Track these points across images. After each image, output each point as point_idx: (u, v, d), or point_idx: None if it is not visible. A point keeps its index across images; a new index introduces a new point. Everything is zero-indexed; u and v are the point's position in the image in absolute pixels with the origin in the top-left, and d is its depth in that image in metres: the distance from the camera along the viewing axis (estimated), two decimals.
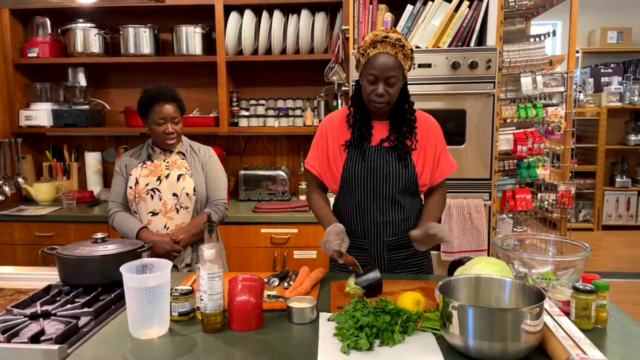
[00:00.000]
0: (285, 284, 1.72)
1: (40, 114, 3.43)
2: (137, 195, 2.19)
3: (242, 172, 3.38)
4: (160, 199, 2.18)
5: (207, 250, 1.38)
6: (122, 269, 1.36)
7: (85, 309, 1.48)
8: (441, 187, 1.92)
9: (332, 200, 2.01)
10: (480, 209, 2.81)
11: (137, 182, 2.20)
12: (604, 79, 6.72)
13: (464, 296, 1.37)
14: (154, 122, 2.17)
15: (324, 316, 1.47)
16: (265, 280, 1.74)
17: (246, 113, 3.38)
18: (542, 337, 1.21)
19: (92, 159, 3.57)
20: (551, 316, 1.32)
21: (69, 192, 3.35)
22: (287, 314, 1.45)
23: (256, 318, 1.42)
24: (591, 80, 6.78)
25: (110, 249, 1.67)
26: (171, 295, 1.45)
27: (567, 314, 1.40)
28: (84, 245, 1.68)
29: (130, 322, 1.36)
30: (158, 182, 2.20)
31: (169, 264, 1.41)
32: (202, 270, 1.37)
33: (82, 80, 3.51)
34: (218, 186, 2.28)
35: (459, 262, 1.71)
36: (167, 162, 2.24)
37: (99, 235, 1.72)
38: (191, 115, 3.40)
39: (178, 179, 2.20)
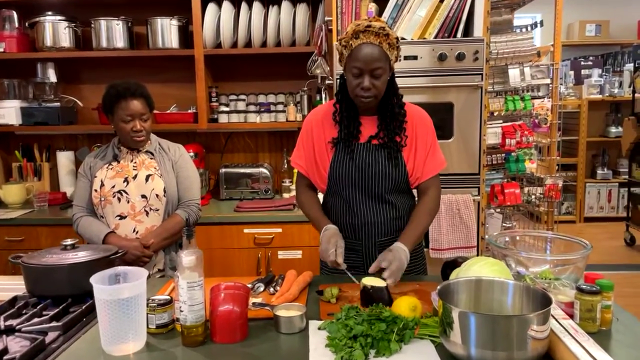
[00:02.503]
0: (272, 289, 1.62)
1: (8, 112, 3.25)
2: (102, 199, 2.05)
3: (223, 170, 3.25)
4: (128, 202, 2.05)
5: (186, 257, 1.27)
6: (93, 279, 1.24)
7: (54, 323, 1.35)
8: (432, 186, 1.80)
9: (321, 198, 1.91)
10: (469, 204, 2.74)
11: (102, 185, 2.06)
12: (584, 72, 6.75)
13: (464, 300, 1.28)
14: (121, 119, 2.03)
15: (314, 324, 1.37)
16: (250, 286, 1.63)
17: (226, 109, 3.25)
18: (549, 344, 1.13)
19: (65, 159, 3.40)
20: (556, 320, 1.24)
21: (40, 194, 3.19)
22: (274, 323, 1.35)
23: (241, 329, 1.31)
24: (572, 72, 6.80)
25: (80, 256, 1.54)
26: (148, 306, 1.34)
27: (571, 316, 1.33)
28: (51, 253, 1.55)
29: (103, 337, 1.24)
30: (125, 183, 2.06)
31: (144, 272, 1.30)
32: (181, 279, 1.26)
33: (52, 76, 3.34)
34: (190, 186, 2.16)
35: (453, 263, 1.62)
36: (135, 162, 2.11)
37: (69, 241, 1.59)
38: (168, 111, 3.27)
39: (146, 179, 2.07)
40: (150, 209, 2.07)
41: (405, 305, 1.33)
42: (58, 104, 3.32)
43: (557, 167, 3.61)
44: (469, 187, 2.80)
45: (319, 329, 1.34)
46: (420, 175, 1.77)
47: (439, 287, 1.23)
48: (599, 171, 6.46)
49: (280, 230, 2.88)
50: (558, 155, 3.60)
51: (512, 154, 2.94)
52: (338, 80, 1.78)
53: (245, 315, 1.33)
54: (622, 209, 6.29)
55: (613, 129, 6.36)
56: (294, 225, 2.87)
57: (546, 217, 3.69)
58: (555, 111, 3.47)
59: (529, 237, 1.82)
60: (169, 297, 1.37)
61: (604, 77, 6.47)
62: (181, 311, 1.27)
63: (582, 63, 6.81)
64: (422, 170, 1.76)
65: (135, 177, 2.07)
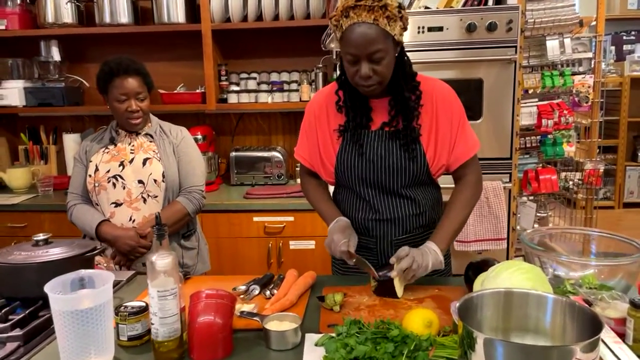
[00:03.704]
0: (268, 292, 1.42)
1: (11, 93, 3.12)
2: (97, 184, 1.89)
3: (234, 153, 3.06)
4: (124, 187, 1.88)
5: (158, 261, 1.07)
6: (48, 287, 1.06)
7: (14, 332, 1.18)
8: (468, 172, 1.54)
9: (331, 189, 1.70)
10: (499, 192, 2.48)
11: (96, 170, 1.90)
12: (626, 47, 6.28)
13: (490, 318, 1.05)
14: (115, 99, 1.86)
15: (311, 339, 1.16)
16: (243, 287, 1.44)
17: (236, 88, 3.04)
18: None
19: (71, 142, 3.26)
20: (606, 344, 1.00)
21: (44, 178, 3.06)
22: (264, 337, 1.15)
23: (224, 343, 1.12)
24: (612, 48, 6.33)
25: (52, 253, 1.37)
26: (118, 315, 1.16)
27: (622, 336, 1.09)
28: (21, 249, 1.39)
29: (62, 353, 1.06)
30: (120, 167, 1.89)
31: (110, 277, 1.11)
32: (151, 287, 1.07)
33: (55, 55, 3.19)
34: (192, 171, 1.97)
35: (480, 266, 1.39)
36: (133, 145, 1.94)
37: (41, 236, 1.42)
38: (175, 91, 3.08)
39: (144, 163, 1.90)
40: (148, 195, 1.89)
41: (418, 320, 1.11)
42: (62, 84, 3.17)
43: (597, 150, 3.28)
44: (499, 173, 2.54)
45: (316, 344, 1.13)
46: (447, 163, 1.51)
47: (458, 303, 1.00)
48: None
49: (292, 218, 2.68)
50: (599, 137, 3.26)
51: (549, 136, 2.65)
52: (338, 62, 1.50)
53: (229, 327, 1.13)
54: None
55: None
56: (306, 214, 2.66)
57: (584, 203, 3.38)
58: (597, 88, 3.12)
59: (567, 233, 1.57)
60: (143, 304, 1.19)
61: None
62: (152, 324, 1.08)
63: (624, 38, 6.33)
64: (450, 157, 1.50)
65: (131, 161, 1.90)
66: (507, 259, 2.62)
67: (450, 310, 1.18)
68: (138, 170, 1.89)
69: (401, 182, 1.49)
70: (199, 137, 2.94)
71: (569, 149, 2.83)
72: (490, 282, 1.21)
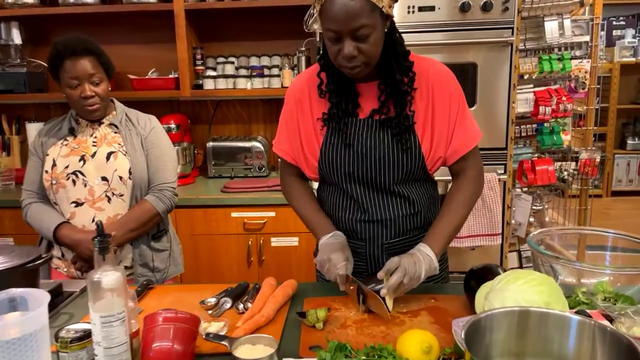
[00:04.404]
0: (241, 306, 1.24)
1: None
2: (54, 182, 1.68)
3: (211, 143, 2.86)
4: (86, 185, 1.68)
5: (102, 280, 0.89)
6: None
7: None
8: (468, 166, 1.36)
9: (315, 186, 1.52)
10: (494, 184, 2.33)
11: (54, 165, 1.69)
12: (616, 32, 6.17)
13: (502, 341, 0.89)
14: (67, 85, 1.66)
15: None
16: (213, 300, 1.26)
17: (213, 73, 2.83)
18: None
19: (35, 131, 3.00)
20: None
21: (6, 171, 2.84)
22: None
23: None
24: (602, 33, 6.22)
25: None
26: (59, 341, 0.97)
27: None
28: None
29: None
30: (81, 163, 1.69)
31: (45, 298, 0.92)
32: (93, 311, 0.88)
33: (16, 38, 2.93)
34: (163, 167, 1.77)
35: (482, 274, 1.22)
36: (95, 137, 1.73)
37: None
38: (147, 77, 2.85)
39: (107, 158, 1.69)
40: (113, 194, 1.70)
41: (415, 345, 0.94)
42: (24, 69, 2.93)
43: (593, 139, 3.15)
44: (493, 164, 2.38)
45: None
46: (445, 155, 1.33)
47: (465, 328, 0.84)
48: (630, 141, 5.96)
49: (273, 214, 2.50)
50: (595, 125, 3.12)
51: (546, 124, 2.49)
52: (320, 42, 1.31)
53: (191, 355, 0.95)
54: None
55: None
56: (289, 209, 2.41)
57: (575, 193, 3.25)
58: (594, 74, 2.98)
59: (574, 233, 1.41)
60: (88, 327, 1.00)
61: (638, 38, 5.91)
62: (95, 355, 0.90)
63: (614, 23, 6.22)
64: (449, 149, 1.32)
65: (93, 155, 1.70)
66: (502, 254, 2.48)
67: (452, 329, 1.01)
68: (101, 166, 1.69)
69: (393, 177, 1.31)
70: (173, 126, 2.73)
71: (565, 138, 2.68)
72: (497, 295, 1.04)
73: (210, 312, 1.21)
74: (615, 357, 0.78)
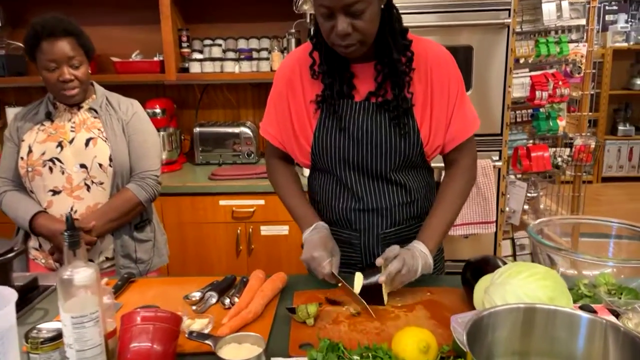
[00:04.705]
0: (227, 301, 1.17)
1: None
2: (30, 169, 1.60)
3: (198, 129, 2.77)
4: (63, 173, 1.60)
5: (73, 277, 0.81)
6: None
7: None
8: (463, 155, 1.31)
9: (306, 172, 1.45)
10: (489, 171, 2.27)
11: (30, 151, 1.61)
12: (608, 17, 6.12)
13: (505, 340, 0.83)
14: (44, 67, 1.57)
15: None
16: (198, 295, 1.19)
17: (199, 56, 2.74)
18: None
19: None
20: None
21: None
22: None
23: None
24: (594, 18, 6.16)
25: None
26: (29, 342, 0.90)
27: None
28: None
29: None
30: (58, 149, 1.61)
31: (12, 296, 0.84)
32: (63, 312, 0.81)
33: None
34: (145, 154, 1.69)
35: (481, 266, 1.16)
36: (74, 122, 1.64)
37: None
38: (130, 59, 2.75)
39: (86, 144, 1.61)
40: (92, 182, 1.62)
41: (412, 344, 0.88)
42: (3, 51, 2.84)
43: (588, 125, 3.10)
44: (488, 151, 2.32)
45: None
46: (443, 142, 1.27)
47: (467, 328, 0.78)
48: (621, 127, 5.95)
49: (262, 202, 2.43)
50: (590, 110, 3.07)
51: (541, 109, 2.43)
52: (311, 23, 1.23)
53: (171, 355, 0.89)
54: None
55: (638, 81, 5.81)
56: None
57: (566, 179, 3.20)
58: (589, 58, 2.92)
59: (570, 222, 1.36)
60: (60, 327, 0.93)
61: (631, 23, 5.86)
62: (67, 358, 0.83)
63: (607, 8, 6.16)
64: (446, 135, 1.26)
65: (71, 141, 1.62)
66: (495, 242, 2.44)
67: (451, 325, 0.96)
68: (80, 153, 1.61)
69: (390, 164, 1.24)
70: (158, 110, 2.64)
71: (561, 124, 2.63)
72: (497, 289, 0.99)
73: (194, 307, 1.15)
74: (624, 352, 0.73)
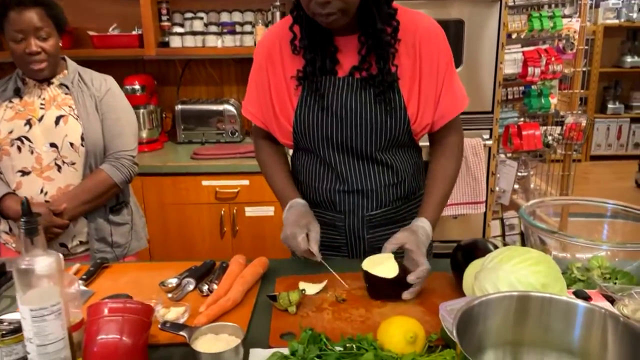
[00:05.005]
0: (205, 287, 1.11)
1: None
2: None
3: (180, 106, 2.67)
4: (32, 152, 1.52)
5: (31, 267, 0.75)
6: None
7: None
8: (451, 133, 1.26)
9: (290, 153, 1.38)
10: (479, 150, 2.22)
11: None
12: None
13: (496, 329, 0.78)
14: (11, 38, 1.48)
15: (257, 356, 0.88)
16: (174, 281, 1.13)
17: (180, 30, 2.62)
18: None
19: None
20: None
21: None
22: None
23: None
24: None
25: None
26: None
27: None
28: None
29: None
30: (27, 127, 1.52)
31: None
32: (21, 304, 0.75)
33: None
34: (120, 132, 1.61)
35: (471, 249, 1.12)
36: (43, 98, 1.55)
37: None
38: (108, 33, 2.63)
39: (57, 122, 1.53)
40: (64, 162, 1.54)
41: (398, 334, 0.83)
42: None
43: (579, 103, 3.05)
44: (478, 129, 2.27)
45: None
46: (432, 120, 1.21)
47: (457, 317, 0.73)
48: (610, 105, 5.93)
49: (247, 182, 2.36)
50: (581, 88, 3.02)
51: (533, 87, 2.37)
52: None
53: (141, 348, 0.83)
54: (632, 147, 5.85)
55: (629, 59, 5.77)
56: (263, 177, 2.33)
57: (556, 157, 3.17)
58: (582, 34, 2.85)
59: (573, 204, 1.31)
60: None
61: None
62: (28, 353, 0.77)
63: None
64: (436, 112, 1.20)
65: (41, 118, 1.53)
66: (485, 223, 2.40)
67: (439, 314, 0.91)
68: (49, 131, 1.53)
69: (376, 143, 1.18)
70: (137, 87, 2.54)
71: (552, 101, 2.58)
72: (488, 275, 0.94)
73: (170, 295, 1.09)
74: (630, 351, 0.68)
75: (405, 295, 1.05)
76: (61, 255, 0.79)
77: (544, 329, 0.77)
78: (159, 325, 0.91)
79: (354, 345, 0.81)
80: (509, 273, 0.91)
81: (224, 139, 2.69)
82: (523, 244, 2.84)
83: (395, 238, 1.10)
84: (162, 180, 2.36)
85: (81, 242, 1.58)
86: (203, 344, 0.86)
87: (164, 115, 2.76)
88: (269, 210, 2.40)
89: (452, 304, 0.91)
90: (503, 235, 2.58)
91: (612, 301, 0.95)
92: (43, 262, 0.75)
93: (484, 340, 0.79)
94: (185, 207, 2.39)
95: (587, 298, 0.94)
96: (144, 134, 2.58)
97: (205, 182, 2.36)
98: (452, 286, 1.12)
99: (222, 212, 2.39)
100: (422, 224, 1.15)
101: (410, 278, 1.04)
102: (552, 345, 0.77)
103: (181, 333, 0.88)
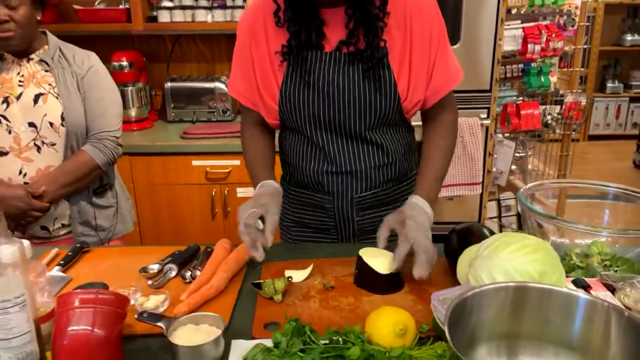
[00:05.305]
0: (188, 274, 1.06)
1: None
2: None
3: (169, 84, 2.59)
4: (10, 132, 1.45)
5: None
6: None
7: None
8: (445, 109, 1.19)
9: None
10: (476, 130, 2.16)
11: None
12: None
13: (491, 321, 0.74)
14: None
15: (239, 349, 0.83)
16: (156, 267, 1.08)
17: (169, 4, 2.52)
18: None
19: None
20: None
21: None
22: (171, 353, 0.81)
23: None
24: None
25: None
26: None
27: None
28: None
29: None
30: (4, 105, 1.45)
31: None
32: None
33: None
34: (103, 112, 1.54)
35: (465, 234, 1.07)
36: (22, 75, 1.48)
37: None
38: (94, 7, 2.53)
39: (35, 100, 1.46)
40: (43, 142, 1.47)
41: (387, 327, 0.79)
42: None
43: (579, 81, 2.99)
44: (476, 108, 2.21)
45: None
46: (425, 96, 1.14)
47: (450, 309, 0.68)
48: (609, 84, 5.85)
49: (237, 162, 2.29)
50: (582, 66, 2.95)
51: (533, 64, 2.30)
52: None
53: (114, 340, 0.79)
54: (631, 127, 5.79)
55: (629, 37, 5.67)
56: None
57: (555, 136, 3.11)
58: (584, 10, 2.77)
59: (571, 186, 1.26)
60: None
61: None
62: None
63: None
64: (428, 88, 1.14)
65: (19, 96, 1.46)
66: (481, 204, 2.36)
67: (431, 304, 0.86)
68: (28, 110, 1.46)
69: (365, 122, 1.12)
70: (125, 63, 2.46)
71: (552, 80, 2.51)
72: (483, 263, 0.89)
73: (150, 282, 1.04)
74: (634, 347, 0.64)
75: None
76: (26, 243, 0.73)
77: (542, 321, 0.73)
78: (136, 316, 0.86)
79: (340, 339, 0.77)
80: (505, 261, 0.86)
81: (216, 117, 2.62)
82: (520, 226, 2.81)
83: (385, 226, 1.04)
84: (151, 160, 2.30)
85: (63, 225, 1.53)
86: (182, 335, 0.82)
87: (153, 93, 2.69)
88: None
89: (444, 294, 0.86)
90: (499, 217, 2.54)
91: (612, 290, 0.90)
92: (5, 250, 0.70)
93: (477, 333, 0.75)
94: (175, 187, 2.34)
95: (586, 287, 0.89)
96: (133, 113, 2.51)
97: (195, 162, 2.31)
98: (445, 273, 1.07)
99: (213, 193, 2.34)
100: (416, 201, 1.09)
101: (417, 274, 0.96)
102: (550, 339, 0.73)
103: (159, 324, 0.84)
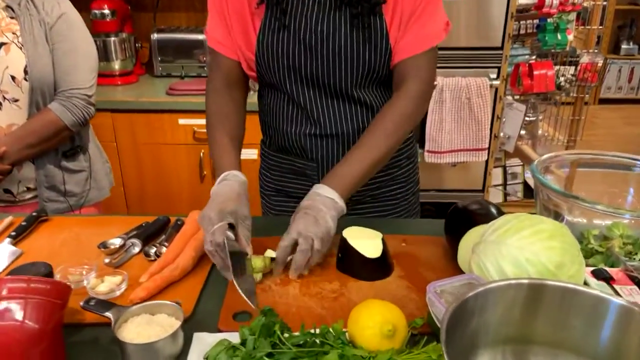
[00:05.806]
0: (153, 250, 0.94)
1: None
2: None
3: (156, 35, 2.41)
4: None
5: None
6: None
7: None
8: (413, 78, 0.97)
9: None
10: (485, 91, 1.99)
11: None
12: None
13: (497, 325, 0.62)
14: None
15: (201, 344, 0.72)
16: (117, 242, 0.96)
17: None
18: None
19: None
20: None
21: None
22: (120, 350, 0.69)
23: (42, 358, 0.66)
24: None
25: None
26: None
27: None
28: None
29: None
30: None
31: None
32: None
33: None
34: (73, 66, 1.38)
35: (469, 214, 0.93)
36: None
37: None
38: None
39: None
40: (4, 98, 1.32)
41: (374, 327, 0.66)
42: None
43: (596, 40, 2.79)
44: (485, 67, 2.04)
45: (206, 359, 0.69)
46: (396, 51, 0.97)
47: (449, 312, 0.55)
48: (624, 45, 5.59)
49: None
50: (600, 24, 2.75)
51: (550, 20, 2.11)
52: None
53: (51, 332, 0.67)
54: None
55: None
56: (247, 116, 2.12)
57: (565, 99, 2.92)
58: None
59: (594, 160, 1.12)
60: None
61: None
62: None
63: None
64: (400, 42, 0.96)
65: None
66: (485, 171, 2.22)
67: (427, 296, 0.74)
68: None
69: (352, 78, 0.97)
70: (107, 12, 2.28)
71: (569, 37, 2.32)
72: (489, 249, 0.76)
73: (107, 260, 0.91)
74: None
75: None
76: None
77: (560, 326, 0.61)
78: (81, 303, 0.74)
79: (317, 340, 0.65)
80: (516, 249, 0.73)
81: (206, 72, 2.45)
82: (525, 195, 2.67)
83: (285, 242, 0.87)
84: (135, 117, 2.16)
85: (29, 189, 1.40)
86: (133, 329, 0.70)
87: (139, 45, 2.50)
88: (251, 154, 2.19)
89: (442, 285, 0.74)
90: (504, 185, 2.41)
91: (638, 282, 0.78)
92: None
93: (479, 336, 0.63)
94: (160, 147, 2.20)
95: (609, 279, 0.77)
96: (116, 66, 2.34)
97: (182, 121, 2.16)
98: (445, 255, 0.95)
99: (202, 154, 2.20)
100: (324, 193, 0.91)
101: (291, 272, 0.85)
102: (568, 346, 0.61)
103: (107, 314, 0.72)
